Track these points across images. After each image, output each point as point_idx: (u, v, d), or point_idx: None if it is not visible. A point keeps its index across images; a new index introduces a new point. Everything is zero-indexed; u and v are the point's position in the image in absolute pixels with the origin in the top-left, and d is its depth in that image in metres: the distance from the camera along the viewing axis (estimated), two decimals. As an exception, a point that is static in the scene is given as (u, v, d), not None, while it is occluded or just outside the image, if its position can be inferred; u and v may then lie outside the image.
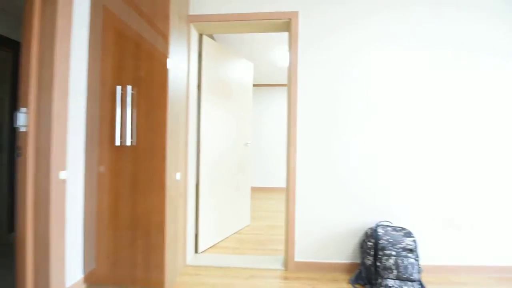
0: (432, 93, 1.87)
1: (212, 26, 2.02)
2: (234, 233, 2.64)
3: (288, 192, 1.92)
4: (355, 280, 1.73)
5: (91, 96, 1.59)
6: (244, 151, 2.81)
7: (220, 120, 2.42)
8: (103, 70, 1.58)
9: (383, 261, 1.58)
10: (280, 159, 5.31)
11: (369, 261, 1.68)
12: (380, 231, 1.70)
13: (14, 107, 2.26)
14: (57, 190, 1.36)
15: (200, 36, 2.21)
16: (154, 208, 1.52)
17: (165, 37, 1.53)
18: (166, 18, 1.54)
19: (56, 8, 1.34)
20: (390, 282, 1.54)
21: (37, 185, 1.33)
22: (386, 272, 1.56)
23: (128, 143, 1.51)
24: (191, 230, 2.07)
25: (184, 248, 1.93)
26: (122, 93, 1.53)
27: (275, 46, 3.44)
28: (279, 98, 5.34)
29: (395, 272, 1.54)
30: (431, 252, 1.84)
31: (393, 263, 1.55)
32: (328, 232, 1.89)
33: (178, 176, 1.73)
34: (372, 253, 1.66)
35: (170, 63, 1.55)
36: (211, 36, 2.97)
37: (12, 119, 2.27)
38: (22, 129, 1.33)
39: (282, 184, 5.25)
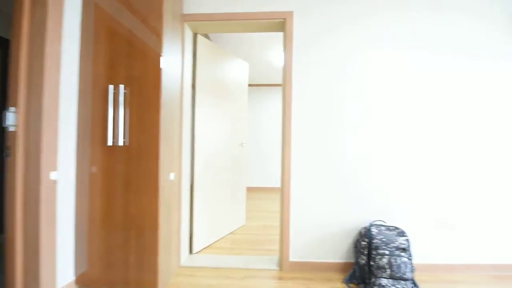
0: (427, 95, 1.88)
1: (207, 25, 2.01)
2: (229, 234, 2.63)
3: (283, 192, 1.92)
4: (349, 280, 1.74)
5: (83, 95, 1.57)
6: (239, 151, 2.80)
7: (215, 120, 2.41)
8: (95, 69, 1.56)
9: (376, 260, 1.59)
10: (279, 159, 5.31)
11: (363, 260, 1.69)
12: (374, 230, 1.71)
13: (3, 106, 2.21)
14: (48, 191, 1.33)
15: (195, 35, 2.20)
16: (147, 208, 1.50)
17: (158, 36, 1.52)
18: (159, 16, 1.52)
19: (47, 5, 1.32)
20: (384, 281, 1.55)
21: (26, 186, 1.30)
22: (379, 271, 1.57)
23: (121, 143, 1.50)
24: (186, 231, 2.06)
25: (178, 248, 1.91)
26: (114, 92, 1.51)
27: (274, 46, 3.44)
28: (277, 98, 5.34)
29: (388, 271, 1.55)
30: (424, 251, 1.86)
31: (387, 262, 1.56)
32: (322, 232, 1.90)
33: (172, 176, 1.72)
34: (366, 252, 1.67)
35: (164, 62, 1.54)
36: (206, 36, 2.96)
37: (1, 118, 2.22)
38: (11, 129, 1.30)
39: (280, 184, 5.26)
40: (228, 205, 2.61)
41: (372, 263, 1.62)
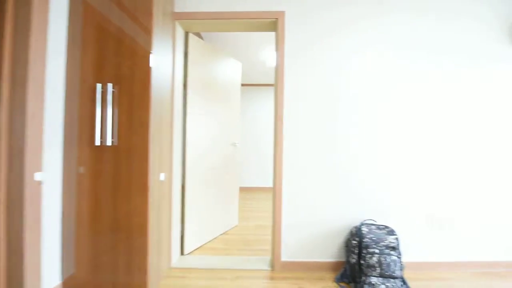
0: (421, 95, 1.91)
1: (198, 24, 1.99)
2: (221, 234, 2.62)
3: (275, 192, 1.92)
4: (340, 279, 1.75)
5: (70, 94, 1.53)
6: (232, 151, 2.79)
7: (207, 119, 2.39)
8: (83, 67, 1.52)
9: (366, 259, 1.61)
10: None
11: (353, 259, 1.70)
12: (364, 229, 1.72)
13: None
14: (32, 192, 1.29)
15: (186, 34, 2.17)
16: (137, 209, 1.48)
17: (148, 34, 1.49)
18: (149, 13, 1.49)
19: (32, 0, 1.28)
20: (374, 280, 1.56)
21: (10, 187, 1.26)
22: (369, 269, 1.58)
23: (109, 143, 1.46)
24: (177, 232, 2.03)
25: (169, 250, 1.89)
26: (102, 91, 1.48)
27: (268, 46, 3.44)
28: (272, 98, 5.34)
29: (378, 269, 1.57)
30: (414, 250, 1.89)
31: (376, 261, 1.58)
32: (314, 231, 1.91)
33: (162, 176, 1.69)
34: (356, 251, 1.69)
35: (154, 60, 1.52)
36: (198, 35, 2.93)
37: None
38: (-7, 128, 1.26)
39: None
40: (220, 205, 2.59)
41: (362, 261, 1.63)
